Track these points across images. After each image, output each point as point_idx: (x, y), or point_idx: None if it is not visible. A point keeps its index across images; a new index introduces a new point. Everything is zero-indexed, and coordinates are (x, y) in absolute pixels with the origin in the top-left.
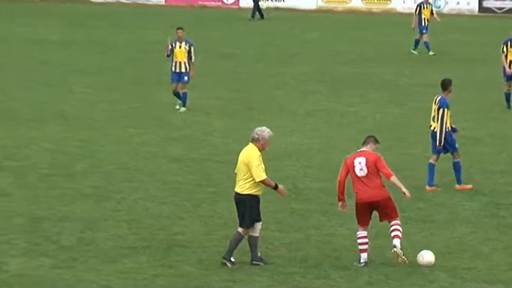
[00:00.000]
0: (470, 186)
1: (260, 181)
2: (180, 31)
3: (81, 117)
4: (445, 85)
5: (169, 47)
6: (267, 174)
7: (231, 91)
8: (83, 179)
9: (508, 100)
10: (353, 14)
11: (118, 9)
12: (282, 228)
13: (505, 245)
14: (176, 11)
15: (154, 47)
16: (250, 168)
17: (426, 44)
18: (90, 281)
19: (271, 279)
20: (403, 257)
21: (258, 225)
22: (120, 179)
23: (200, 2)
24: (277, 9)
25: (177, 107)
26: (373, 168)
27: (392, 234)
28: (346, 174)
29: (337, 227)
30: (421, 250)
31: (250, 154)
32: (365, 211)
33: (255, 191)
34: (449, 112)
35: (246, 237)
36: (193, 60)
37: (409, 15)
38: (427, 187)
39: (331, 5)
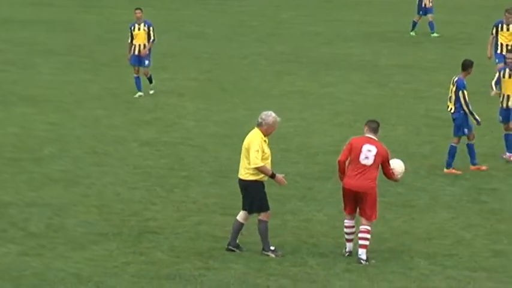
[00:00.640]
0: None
1: (255, 168)
2: (138, 11)
3: (49, 99)
4: (464, 66)
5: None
6: (272, 161)
7: (203, 72)
8: (51, 163)
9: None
10: None
11: None
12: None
13: (487, 231)
14: None
15: (124, 27)
16: (249, 153)
17: (414, 23)
18: (59, 268)
19: (247, 266)
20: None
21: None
22: (89, 163)
23: None
24: None
25: (151, 91)
26: (379, 163)
27: (360, 242)
28: (348, 156)
29: (314, 212)
30: (400, 236)
31: (251, 139)
32: (350, 198)
33: (260, 177)
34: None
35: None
36: (155, 41)
37: None
38: (445, 170)
39: None
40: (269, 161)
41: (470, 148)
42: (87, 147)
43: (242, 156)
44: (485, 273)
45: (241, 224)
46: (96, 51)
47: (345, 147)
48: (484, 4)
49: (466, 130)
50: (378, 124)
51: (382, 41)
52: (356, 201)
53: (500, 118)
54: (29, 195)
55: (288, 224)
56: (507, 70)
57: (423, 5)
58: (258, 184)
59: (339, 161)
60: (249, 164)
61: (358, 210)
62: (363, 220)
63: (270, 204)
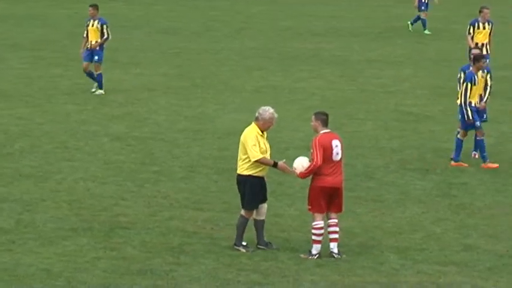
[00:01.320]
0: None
1: (256, 161)
2: (90, 9)
3: (19, 94)
4: (474, 59)
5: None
6: (271, 154)
7: (174, 67)
8: (21, 158)
9: None
10: None
11: None
12: (228, 209)
13: (457, 225)
14: None
15: None
16: (246, 148)
17: (423, 21)
18: (29, 264)
19: (217, 261)
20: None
21: (263, 208)
22: (59, 158)
23: None
24: None
25: (93, 89)
26: (343, 154)
27: (332, 236)
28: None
29: (285, 207)
30: (370, 231)
31: (247, 134)
32: (327, 197)
33: (255, 172)
34: (474, 88)
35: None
36: (108, 39)
37: None
38: (453, 162)
39: None
40: (267, 155)
41: (478, 144)
42: (58, 142)
43: (239, 151)
44: (455, 267)
45: (260, 221)
46: (67, 46)
47: (315, 149)
48: (455, 1)
49: (477, 123)
50: (328, 115)
51: (352, 36)
52: (331, 198)
53: (478, 123)
54: None
55: None
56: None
57: (423, 1)
58: (253, 180)
59: (317, 165)
60: (246, 158)
61: (328, 206)
62: (333, 214)
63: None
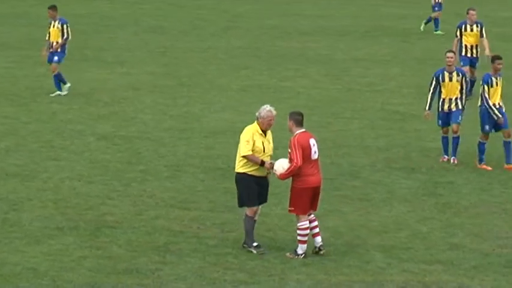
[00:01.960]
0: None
1: (243, 156)
2: (49, 11)
3: (4, 93)
4: (491, 60)
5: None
6: (273, 154)
7: (160, 66)
8: (6, 157)
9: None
10: None
11: None
12: (214, 208)
13: (443, 224)
14: None
15: (79, 21)
16: (240, 143)
17: (435, 21)
18: (15, 263)
19: (203, 260)
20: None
21: (258, 209)
22: (45, 157)
23: None
24: None
25: (53, 95)
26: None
27: (316, 231)
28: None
29: (272, 206)
30: (356, 230)
31: (244, 131)
32: (311, 196)
33: (250, 170)
34: (491, 89)
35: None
36: (68, 39)
37: None
38: (478, 165)
39: None
40: (266, 155)
41: (505, 146)
42: (44, 142)
43: (238, 149)
44: (441, 266)
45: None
46: None
47: (294, 150)
48: None
49: (486, 127)
50: (303, 115)
51: (338, 35)
52: (314, 198)
53: (440, 122)
54: None
55: None
56: (446, 73)
57: (437, 1)
58: (246, 177)
59: (299, 166)
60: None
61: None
62: (311, 211)
63: (227, 198)
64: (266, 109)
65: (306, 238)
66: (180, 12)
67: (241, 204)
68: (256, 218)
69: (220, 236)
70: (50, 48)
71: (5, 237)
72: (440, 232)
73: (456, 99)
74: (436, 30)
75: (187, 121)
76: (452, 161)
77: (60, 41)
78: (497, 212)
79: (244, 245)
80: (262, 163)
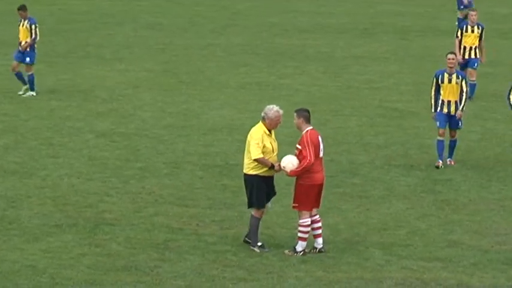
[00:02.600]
0: None
1: (255, 159)
2: (20, 12)
3: (2, 90)
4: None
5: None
6: (278, 156)
7: (159, 63)
8: (5, 154)
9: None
10: None
11: None
12: (213, 205)
13: (442, 221)
14: None
15: (78, 18)
16: (250, 146)
17: (459, 21)
18: (14, 260)
19: (202, 257)
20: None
21: (265, 208)
22: (44, 154)
23: None
24: None
25: (21, 91)
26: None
27: (319, 232)
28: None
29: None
30: (355, 227)
31: (253, 133)
32: (316, 194)
33: (262, 172)
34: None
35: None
36: (36, 39)
37: None
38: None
39: None
40: (274, 154)
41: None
42: (43, 139)
43: (245, 150)
44: (440, 263)
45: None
46: (51, 43)
47: (307, 146)
48: None
49: (437, 123)
50: (309, 112)
51: (338, 33)
52: (318, 195)
53: (438, 123)
54: None
55: (244, 215)
56: (446, 75)
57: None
58: (257, 179)
59: (312, 163)
60: (250, 157)
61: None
62: (315, 210)
63: (226, 195)
64: (274, 109)
65: (306, 235)
66: (178, 9)
67: (250, 205)
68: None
69: (219, 233)
70: (19, 48)
71: (4, 234)
72: (439, 229)
73: (456, 102)
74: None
75: (186, 118)
76: (448, 162)
77: (29, 40)
78: (496, 209)
79: (246, 239)
80: (272, 166)
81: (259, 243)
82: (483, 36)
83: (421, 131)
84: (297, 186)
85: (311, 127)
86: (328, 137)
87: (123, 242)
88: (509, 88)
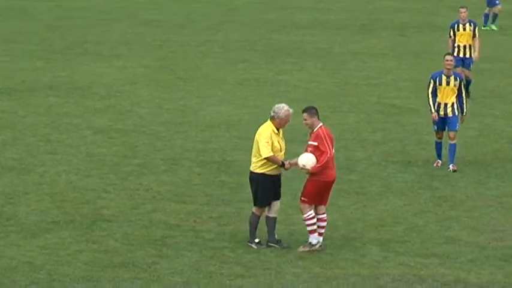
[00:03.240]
0: None
1: (265, 158)
2: None
3: (1, 87)
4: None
5: None
6: (285, 155)
7: (156, 59)
8: (3, 151)
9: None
10: None
11: None
12: (211, 202)
13: (439, 218)
14: None
15: (75, 15)
16: (259, 145)
17: (485, 17)
18: (11, 257)
19: (200, 254)
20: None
21: (275, 206)
22: (42, 151)
23: None
24: None
25: None
26: None
27: (322, 231)
28: None
29: None
30: (353, 223)
31: (262, 131)
32: (328, 190)
33: (269, 170)
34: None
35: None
36: None
37: None
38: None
39: None
40: (282, 153)
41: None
42: (40, 135)
43: (253, 149)
44: (437, 260)
45: (272, 218)
46: (48, 39)
47: (324, 140)
48: None
49: (434, 126)
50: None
51: (335, 29)
52: (329, 192)
53: (435, 127)
54: None
55: (241, 212)
56: (443, 77)
57: None
58: (263, 177)
59: (329, 157)
60: (259, 156)
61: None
62: (323, 208)
63: (224, 192)
64: (284, 109)
65: (315, 227)
66: (175, 5)
67: (259, 203)
68: (276, 215)
69: (217, 229)
70: None
71: (1, 231)
72: (437, 225)
73: (452, 104)
74: (492, 23)
75: (183, 115)
76: (451, 168)
77: None
78: (494, 206)
79: (269, 243)
80: (283, 164)
81: (256, 240)
82: (476, 33)
83: (419, 127)
84: (311, 182)
85: (321, 123)
86: None
87: (120, 239)
88: None
